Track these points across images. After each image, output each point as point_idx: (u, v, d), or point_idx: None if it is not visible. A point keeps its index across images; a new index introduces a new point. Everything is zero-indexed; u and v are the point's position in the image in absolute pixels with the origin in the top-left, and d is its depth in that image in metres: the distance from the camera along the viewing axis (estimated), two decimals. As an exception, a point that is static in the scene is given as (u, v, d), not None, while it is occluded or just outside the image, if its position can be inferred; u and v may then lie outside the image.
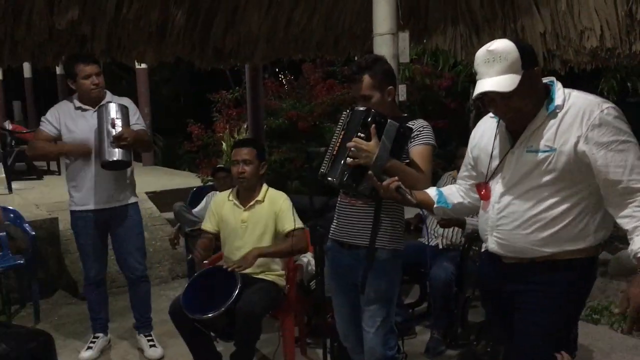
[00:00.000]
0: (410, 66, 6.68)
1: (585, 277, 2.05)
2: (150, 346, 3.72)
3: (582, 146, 1.87)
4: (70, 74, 3.48)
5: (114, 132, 3.29)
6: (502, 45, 1.91)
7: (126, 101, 3.59)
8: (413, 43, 4.82)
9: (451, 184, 3.82)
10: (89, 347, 3.72)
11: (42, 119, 3.57)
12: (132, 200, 3.67)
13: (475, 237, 3.47)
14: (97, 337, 3.78)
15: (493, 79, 1.89)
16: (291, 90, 8.56)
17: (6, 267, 4.30)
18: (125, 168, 3.47)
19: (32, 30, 3.89)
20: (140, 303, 3.77)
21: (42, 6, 3.79)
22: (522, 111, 1.96)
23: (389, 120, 2.26)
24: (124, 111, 3.39)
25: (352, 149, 2.21)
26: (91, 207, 3.57)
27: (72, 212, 3.64)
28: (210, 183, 6.00)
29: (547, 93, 1.98)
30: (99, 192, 3.54)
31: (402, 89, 3.94)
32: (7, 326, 2.79)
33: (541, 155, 1.94)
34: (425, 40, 5.18)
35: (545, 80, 2.01)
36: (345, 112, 2.39)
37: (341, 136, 2.33)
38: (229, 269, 3.03)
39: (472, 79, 7.38)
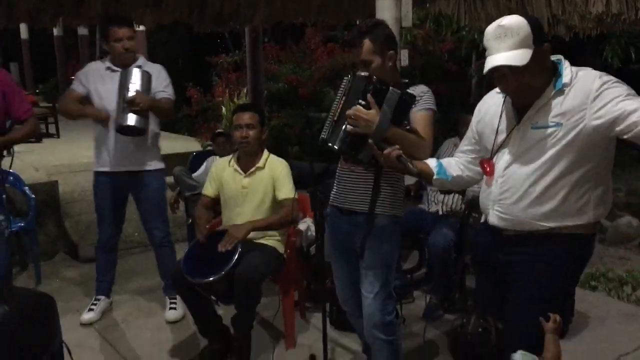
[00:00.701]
0: (412, 31, 6.58)
1: (583, 253, 2.07)
2: (170, 308, 3.76)
3: (588, 120, 1.87)
4: (104, 35, 3.47)
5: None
6: (513, 20, 1.90)
7: (157, 68, 3.55)
8: (416, 7, 4.74)
9: (452, 150, 3.85)
10: (90, 309, 3.76)
11: (74, 76, 3.61)
12: (154, 166, 3.64)
13: (475, 204, 3.46)
14: (99, 300, 3.82)
15: (504, 54, 1.89)
16: (291, 54, 8.46)
17: (7, 230, 4.31)
18: (138, 135, 3.40)
19: (28, -10, 3.82)
20: (163, 267, 3.80)
21: (38, -34, 3.72)
22: (532, 87, 1.96)
23: (390, 88, 2.24)
24: (145, 77, 3.33)
25: (352, 117, 2.19)
26: (109, 169, 3.59)
27: (94, 173, 3.68)
28: (209, 148, 5.97)
29: (554, 71, 1.98)
30: (118, 155, 3.55)
31: (404, 54, 3.90)
32: (10, 288, 2.80)
33: (547, 131, 1.94)
34: (428, 5, 5.10)
35: (552, 58, 2.00)
36: (346, 78, 2.36)
37: (342, 102, 2.31)
38: (223, 250, 3.03)
39: (475, 44, 7.31)
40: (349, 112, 2.20)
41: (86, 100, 3.55)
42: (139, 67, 3.41)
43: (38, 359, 2.10)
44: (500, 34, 1.90)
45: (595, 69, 1.97)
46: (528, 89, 1.96)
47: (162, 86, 3.51)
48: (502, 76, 1.95)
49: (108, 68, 3.52)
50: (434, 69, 7.98)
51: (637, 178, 6.79)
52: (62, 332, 2.49)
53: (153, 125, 3.59)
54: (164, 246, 3.76)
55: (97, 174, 3.67)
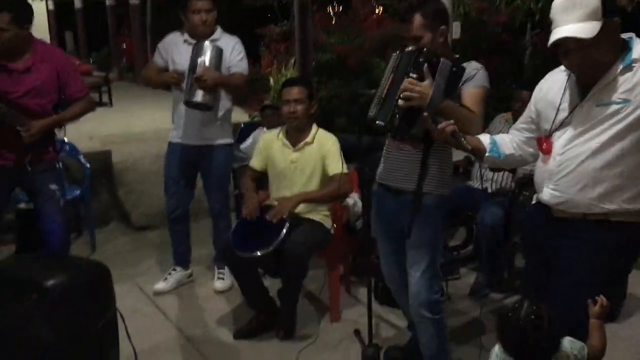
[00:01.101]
0: (465, 2, 6.39)
1: (635, 243, 2.01)
2: (218, 279, 3.84)
3: None
4: (183, 5, 3.48)
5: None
6: None
7: (232, 41, 3.54)
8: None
9: (505, 126, 3.76)
10: (165, 279, 3.85)
11: (156, 47, 3.68)
12: (221, 141, 3.66)
13: (525, 183, 3.40)
14: (175, 270, 3.90)
15: (572, 26, 1.82)
16: (340, 24, 8.35)
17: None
18: (207, 110, 3.41)
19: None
20: (217, 237, 3.85)
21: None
22: (599, 63, 1.88)
23: (442, 59, 2.19)
24: (214, 52, 3.32)
25: (405, 88, 2.14)
26: (179, 140, 3.66)
27: (168, 143, 3.75)
28: (257, 119, 6.01)
29: (623, 47, 1.89)
30: (188, 127, 3.61)
31: (456, 26, 3.81)
32: (64, 258, 2.92)
33: (614, 107, 1.87)
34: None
35: (623, 36, 1.92)
36: (394, 54, 2.32)
37: (390, 78, 2.27)
38: (272, 220, 3.06)
39: (530, 13, 7.04)
40: (403, 85, 2.15)
41: (167, 71, 3.59)
42: (214, 41, 3.40)
43: (94, 325, 2.18)
44: (568, 6, 1.83)
45: None
46: (595, 64, 1.88)
47: (236, 60, 3.50)
48: (568, 50, 1.88)
49: (185, 41, 3.54)
50: (487, 40, 7.76)
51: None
52: (116, 299, 2.59)
53: (224, 101, 3.61)
54: (222, 217, 3.80)
55: (170, 144, 3.74)
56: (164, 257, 4.26)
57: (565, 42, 1.86)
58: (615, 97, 1.87)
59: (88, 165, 4.58)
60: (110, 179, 5.35)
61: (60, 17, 14.95)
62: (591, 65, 1.89)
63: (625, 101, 1.85)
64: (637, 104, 1.84)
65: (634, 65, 1.86)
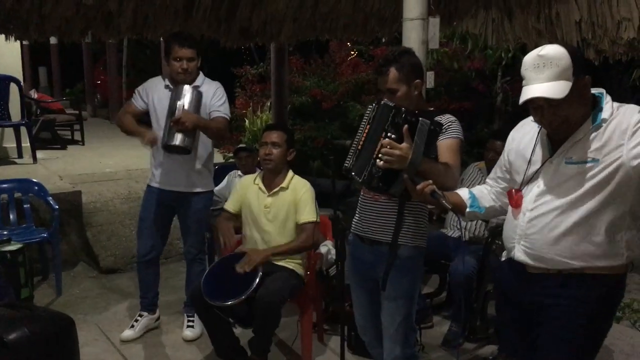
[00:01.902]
0: (439, 51, 6.53)
1: (614, 295, 2.01)
2: (187, 326, 3.74)
3: (626, 157, 1.81)
4: (166, 51, 3.49)
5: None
6: (553, 50, 1.84)
7: (214, 86, 3.54)
8: (442, 26, 4.71)
9: (477, 175, 3.80)
10: (132, 326, 3.73)
11: (135, 91, 3.64)
12: (202, 188, 3.62)
13: (499, 232, 3.41)
14: (141, 316, 3.79)
15: (543, 85, 1.83)
16: (316, 67, 8.46)
17: (30, 241, 4.35)
18: (183, 154, 3.38)
19: (59, 5, 3.85)
20: (190, 282, 3.72)
21: (69, -19, 3.76)
22: (568, 121, 1.90)
23: (420, 120, 2.19)
24: (194, 96, 3.31)
25: (385, 152, 2.13)
26: (157, 185, 3.62)
27: (147, 186, 3.71)
28: (231, 160, 5.99)
29: (594, 104, 1.92)
30: (167, 173, 3.57)
31: (430, 76, 3.85)
32: (30, 308, 2.82)
33: (583, 167, 1.88)
34: (455, 24, 5.06)
35: (593, 91, 1.94)
36: (370, 106, 2.32)
37: (366, 130, 2.27)
38: (241, 271, 3.02)
39: (501, 62, 7.23)
40: (383, 149, 2.13)
41: (146, 115, 3.58)
42: (196, 86, 3.40)
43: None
44: (539, 64, 1.84)
45: (623, 91, 1.92)
46: (565, 121, 1.90)
47: (217, 105, 3.49)
48: (539, 108, 1.90)
49: (166, 86, 3.53)
50: (458, 85, 7.93)
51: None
52: (80, 346, 2.50)
53: (206, 145, 3.59)
54: (197, 262, 3.72)
55: (148, 187, 3.70)
56: (132, 301, 4.16)
57: (536, 100, 1.88)
58: (585, 155, 1.88)
59: (57, 206, 4.48)
60: (79, 219, 5.24)
61: (34, 52, 14.85)
62: (562, 122, 1.91)
63: (594, 160, 1.86)
64: (605, 164, 1.85)
65: (603, 124, 1.88)
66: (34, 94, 8.72)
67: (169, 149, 3.33)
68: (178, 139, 3.25)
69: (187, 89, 3.32)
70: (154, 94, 3.56)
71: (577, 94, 1.85)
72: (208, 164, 3.68)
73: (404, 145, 2.13)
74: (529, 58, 1.88)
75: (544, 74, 1.84)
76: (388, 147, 2.12)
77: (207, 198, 3.69)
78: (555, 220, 1.94)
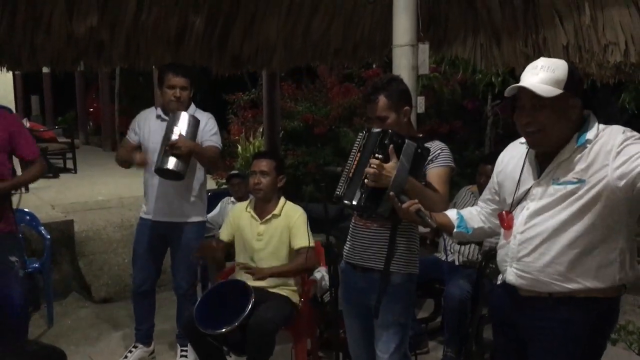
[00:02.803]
0: (429, 76, 6.61)
1: (606, 317, 2.00)
2: (181, 356, 3.70)
3: (611, 178, 1.82)
4: (160, 80, 3.51)
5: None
6: (554, 60, 1.93)
7: (206, 116, 3.56)
8: (432, 51, 4.78)
9: (470, 198, 3.81)
10: (125, 357, 3.69)
11: (130, 126, 3.65)
12: (194, 219, 3.60)
13: (492, 255, 3.42)
14: (136, 347, 3.74)
15: (533, 82, 1.89)
16: (307, 92, 8.51)
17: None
18: (177, 179, 3.36)
19: (51, 36, 3.88)
20: (181, 315, 3.65)
21: (61, 12, 3.78)
22: (546, 133, 1.92)
23: (406, 140, 2.24)
24: (191, 122, 3.33)
25: (371, 171, 2.17)
26: (150, 216, 3.60)
27: (139, 217, 3.70)
28: (224, 187, 5.99)
29: (580, 126, 1.94)
30: (159, 203, 3.55)
31: (420, 101, 3.89)
32: (17, 343, 2.78)
33: (569, 187, 1.89)
34: (444, 49, 5.13)
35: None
36: (361, 134, 2.36)
37: (357, 158, 2.30)
38: (254, 278, 3.05)
39: (490, 83, 7.30)
40: (368, 169, 2.19)
41: (141, 148, 3.58)
42: (193, 115, 3.41)
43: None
44: (537, 66, 1.92)
45: (611, 113, 1.94)
46: (541, 131, 1.92)
47: (209, 135, 3.50)
48: (522, 107, 1.94)
49: (158, 116, 3.55)
50: (449, 105, 8.01)
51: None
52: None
53: (199, 174, 3.59)
54: (188, 297, 3.64)
55: (141, 219, 3.68)
56: (125, 332, 4.12)
57: (522, 97, 1.92)
58: (571, 176, 1.90)
59: (48, 236, 4.45)
60: (71, 249, 5.21)
61: (26, 81, 14.89)
62: (538, 130, 1.92)
63: (580, 181, 1.87)
64: (591, 184, 1.86)
65: (587, 144, 1.89)
66: (26, 123, 8.72)
67: (162, 172, 3.32)
68: (172, 163, 3.24)
69: (184, 115, 3.33)
70: (145, 125, 3.57)
71: (561, 108, 1.89)
72: (201, 194, 3.66)
73: (389, 164, 2.17)
74: (530, 65, 1.96)
75: (539, 76, 1.90)
76: (374, 166, 2.16)
77: (200, 228, 3.67)
78: (546, 243, 1.94)
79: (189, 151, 3.26)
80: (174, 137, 3.24)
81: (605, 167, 1.83)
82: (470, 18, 4.66)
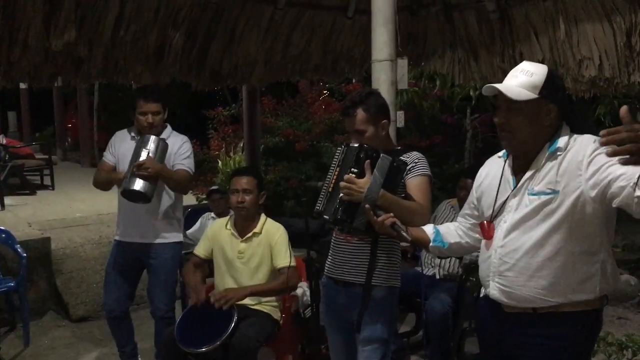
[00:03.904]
0: (409, 90, 6.66)
1: (591, 330, 2.00)
2: None
3: (585, 188, 1.82)
4: (132, 105, 3.49)
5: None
6: (537, 65, 1.97)
7: (180, 139, 3.54)
8: (410, 66, 4.82)
9: (450, 212, 3.83)
10: None
11: (106, 148, 3.64)
12: (169, 239, 3.54)
13: (473, 268, 3.44)
14: None
15: (508, 85, 1.94)
16: (288, 107, 8.52)
17: (-3, 290, 4.24)
18: (142, 201, 3.31)
19: (28, 52, 3.82)
20: (159, 338, 3.57)
21: (38, 28, 3.74)
22: (515, 136, 1.95)
23: (381, 155, 2.25)
24: (160, 145, 3.31)
25: (343, 185, 2.19)
26: (121, 238, 3.56)
27: (114, 240, 3.65)
28: (205, 202, 5.95)
29: (553, 135, 1.96)
30: (130, 224, 3.52)
31: (399, 115, 3.91)
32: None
33: (543, 198, 1.90)
34: (423, 64, 5.18)
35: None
36: (339, 149, 2.37)
37: (336, 173, 2.31)
38: (217, 306, 2.98)
39: (468, 97, 7.37)
40: (342, 183, 2.20)
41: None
42: (162, 139, 3.38)
43: None
44: (517, 71, 1.97)
45: (587, 126, 1.96)
46: (511, 133, 1.95)
47: (182, 158, 3.47)
48: (499, 107, 1.98)
49: (133, 137, 3.52)
50: (428, 119, 8.07)
51: (633, 232, 6.67)
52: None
53: (169, 194, 3.53)
54: (166, 320, 3.54)
55: (115, 240, 3.64)
56: (102, 350, 4.06)
57: (499, 98, 1.95)
58: (544, 186, 1.90)
59: (25, 254, 4.37)
60: (48, 267, 5.11)
61: (3, 97, 14.71)
62: (508, 132, 1.96)
63: (554, 192, 1.88)
64: (564, 196, 1.86)
65: (558, 153, 1.91)
66: (2, 140, 8.61)
67: (128, 194, 3.27)
68: (139, 184, 3.20)
69: (153, 139, 3.32)
70: (120, 145, 3.55)
71: (534, 113, 1.92)
72: (176, 213, 3.61)
73: (362, 179, 2.19)
74: (512, 70, 2.01)
75: (517, 79, 1.95)
76: (347, 180, 2.18)
77: (175, 248, 3.60)
78: (526, 255, 1.94)
79: (155, 173, 3.23)
80: (141, 159, 3.22)
81: (578, 177, 1.84)
82: (448, 33, 4.73)
